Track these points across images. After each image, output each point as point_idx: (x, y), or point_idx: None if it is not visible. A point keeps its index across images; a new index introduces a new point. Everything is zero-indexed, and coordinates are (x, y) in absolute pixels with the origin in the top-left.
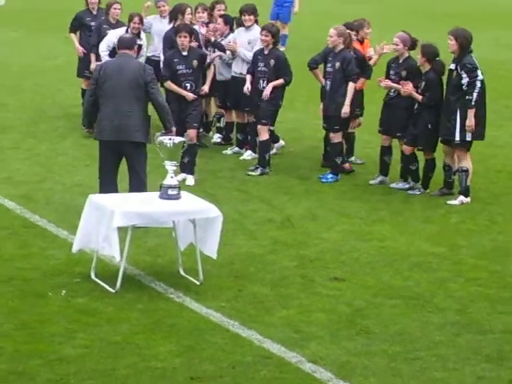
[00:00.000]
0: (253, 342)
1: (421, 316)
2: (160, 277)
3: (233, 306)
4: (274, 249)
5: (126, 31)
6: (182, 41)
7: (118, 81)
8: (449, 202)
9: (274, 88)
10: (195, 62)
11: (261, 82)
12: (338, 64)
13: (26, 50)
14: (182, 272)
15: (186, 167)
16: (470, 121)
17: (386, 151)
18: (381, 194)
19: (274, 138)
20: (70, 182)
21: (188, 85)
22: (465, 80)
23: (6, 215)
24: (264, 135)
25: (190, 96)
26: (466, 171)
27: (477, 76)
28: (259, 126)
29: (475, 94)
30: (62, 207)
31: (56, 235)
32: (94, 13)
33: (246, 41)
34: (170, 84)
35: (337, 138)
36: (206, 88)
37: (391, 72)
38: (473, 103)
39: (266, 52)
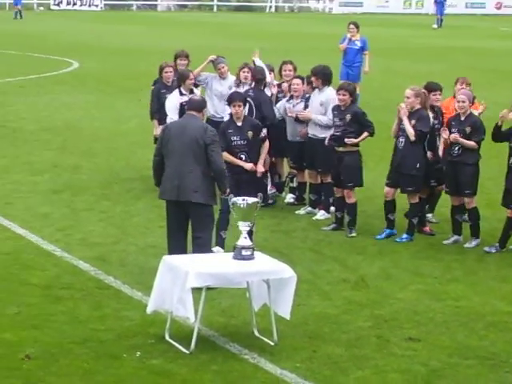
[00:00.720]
0: None
1: (498, 376)
2: (234, 338)
3: (307, 366)
4: (348, 309)
5: (179, 91)
6: (237, 110)
7: (180, 141)
8: None
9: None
10: (250, 133)
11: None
12: (413, 122)
13: (98, 112)
14: (256, 333)
15: None
16: None
17: (457, 210)
18: (455, 254)
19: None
20: (144, 244)
21: (243, 156)
22: None
23: (81, 277)
24: (353, 198)
25: (248, 166)
26: None
27: None
28: (347, 190)
29: None
30: (136, 268)
31: (130, 296)
32: (169, 84)
33: (319, 103)
34: (226, 155)
35: (413, 199)
36: (259, 167)
37: (453, 130)
38: None
39: (342, 108)
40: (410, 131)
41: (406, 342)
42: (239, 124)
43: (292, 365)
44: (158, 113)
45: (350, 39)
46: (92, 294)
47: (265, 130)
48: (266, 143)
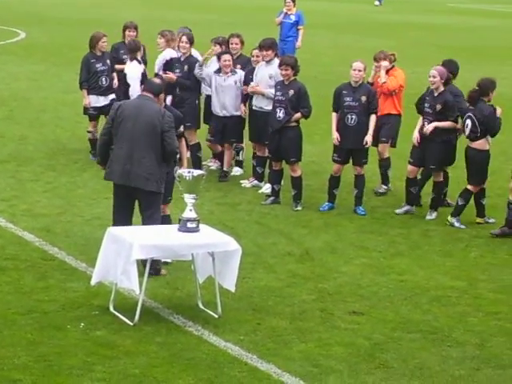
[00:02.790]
0: (271, 376)
1: (440, 350)
2: (178, 310)
3: (251, 339)
4: (292, 282)
5: (137, 60)
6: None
7: (134, 123)
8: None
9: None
10: None
11: (277, 110)
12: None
13: (45, 83)
14: (200, 305)
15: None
16: None
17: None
18: (400, 228)
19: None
20: (90, 215)
21: None
22: None
23: (26, 247)
24: (298, 171)
25: None
26: None
27: None
28: (293, 165)
29: None
30: (81, 240)
31: (75, 268)
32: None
33: (267, 75)
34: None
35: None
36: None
37: (425, 105)
38: None
39: (286, 83)
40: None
41: (350, 315)
42: None
43: (236, 337)
44: (87, 82)
45: (286, 13)
46: (36, 265)
47: (182, 127)
48: (183, 142)
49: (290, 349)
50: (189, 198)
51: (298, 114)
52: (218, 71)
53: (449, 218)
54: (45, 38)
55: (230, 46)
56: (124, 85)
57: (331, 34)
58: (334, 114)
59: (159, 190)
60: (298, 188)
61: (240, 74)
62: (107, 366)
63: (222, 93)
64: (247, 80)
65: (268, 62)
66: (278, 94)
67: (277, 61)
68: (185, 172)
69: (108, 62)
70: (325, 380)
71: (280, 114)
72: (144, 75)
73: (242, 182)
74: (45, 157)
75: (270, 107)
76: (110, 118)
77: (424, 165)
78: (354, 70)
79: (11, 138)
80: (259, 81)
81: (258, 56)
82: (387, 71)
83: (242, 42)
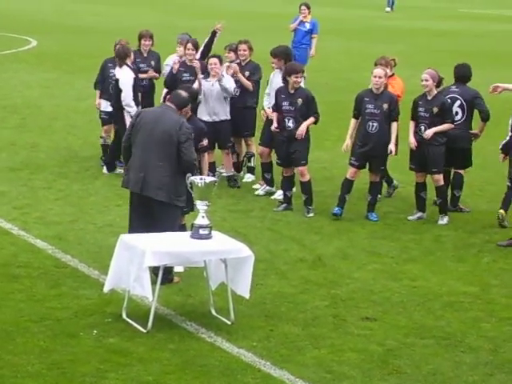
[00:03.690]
0: (284, 382)
1: (453, 356)
2: (191, 317)
3: (264, 345)
4: (305, 288)
5: (129, 67)
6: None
7: (151, 131)
8: None
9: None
10: None
11: (286, 120)
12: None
13: (57, 91)
14: (213, 312)
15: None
16: None
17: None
18: (412, 233)
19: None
20: (102, 222)
21: None
22: None
23: (38, 255)
24: (307, 176)
25: None
26: None
27: None
28: (301, 168)
29: None
30: (93, 247)
31: (87, 275)
32: (145, 55)
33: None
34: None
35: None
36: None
37: (420, 109)
38: None
39: (291, 91)
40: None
41: (363, 321)
42: None
43: (249, 344)
44: (101, 84)
45: (302, 21)
46: (49, 273)
47: (206, 141)
48: (205, 156)
49: (303, 355)
50: (201, 205)
51: (312, 119)
52: (207, 76)
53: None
54: (56, 46)
55: (239, 52)
56: (116, 90)
57: (342, 40)
58: (353, 121)
59: (171, 202)
60: (308, 193)
61: (226, 77)
62: (120, 373)
63: (211, 98)
64: (259, 87)
65: (281, 68)
66: (285, 103)
67: None
68: (197, 179)
69: None
70: None
71: (289, 123)
72: (135, 80)
73: (254, 186)
74: (57, 164)
75: None
76: (130, 124)
77: (425, 170)
78: (375, 76)
79: (23, 145)
80: (274, 87)
81: (275, 63)
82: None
83: (251, 49)
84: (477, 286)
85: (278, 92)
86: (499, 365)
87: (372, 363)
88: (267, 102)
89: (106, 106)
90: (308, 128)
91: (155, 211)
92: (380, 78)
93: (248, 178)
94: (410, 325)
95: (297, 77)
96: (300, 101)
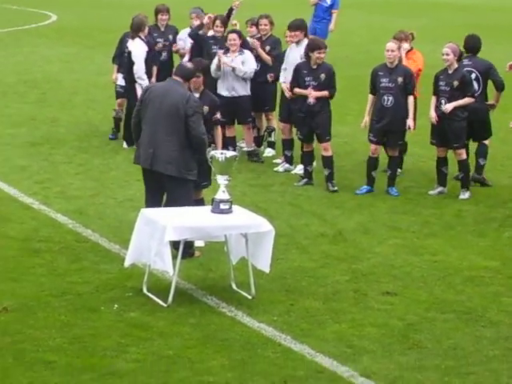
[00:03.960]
0: (305, 357)
1: (474, 330)
2: (212, 291)
3: (285, 320)
4: (326, 263)
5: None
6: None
7: (159, 106)
8: None
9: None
10: (206, 109)
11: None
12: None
13: (77, 65)
14: (234, 286)
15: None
16: None
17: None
18: (433, 208)
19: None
20: (122, 197)
21: None
22: None
23: (59, 229)
24: (330, 151)
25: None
26: None
27: None
28: (325, 144)
29: None
30: (114, 222)
31: (108, 250)
32: (162, 29)
33: (299, 56)
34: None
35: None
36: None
37: (441, 83)
38: None
39: (314, 66)
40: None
41: (383, 296)
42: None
43: (269, 318)
44: (119, 58)
45: None
46: (70, 247)
47: (219, 114)
48: (219, 129)
49: (324, 329)
50: (221, 180)
51: (325, 92)
52: (226, 51)
53: None
54: (76, 20)
55: (260, 27)
56: (128, 63)
57: (363, 14)
58: (370, 97)
59: (181, 176)
60: (331, 167)
61: (247, 53)
62: (141, 347)
63: (230, 74)
64: (280, 61)
65: (297, 42)
66: (308, 79)
67: (306, 41)
68: (217, 153)
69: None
70: (358, 360)
71: (310, 100)
72: (148, 53)
73: (274, 161)
74: (77, 139)
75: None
76: (139, 100)
77: (446, 145)
78: (388, 50)
79: (43, 120)
80: (291, 62)
81: (290, 37)
82: (406, 54)
83: (272, 23)
84: (497, 261)
85: (299, 67)
86: None
87: (392, 338)
88: (283, 77)
89: (123, 80)
90: (329, 103)
91: (167, 186)
92: (393, 51)
93: (268, 152)
94: (431, 299)
95: (320, 53)
96: (323, 76)
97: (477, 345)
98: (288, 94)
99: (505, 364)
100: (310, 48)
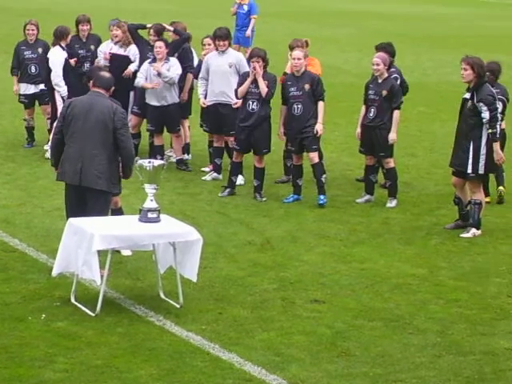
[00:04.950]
0: (233, 365)
1: (401, 338)
2: (140, 300)
3: (213, 328)
4: (254, 271)
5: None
6: None
7: (85, 121)
8: (462, 235)
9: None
10: None
11: (295, 107)
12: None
13: (4, 74)
14: (162, 295)
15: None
16: (498, 154)
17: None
18: (360, 216)
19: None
20: (50, 206)
21: None
22: (486, 114)
23: None
24: (264, 162)
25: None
26: (479, 204)
27: (497, 108)
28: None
29: (498, 127)
30: (41, 231)
31: (36, 259)
32: (84, 40)
33: (227, 64)
34: None
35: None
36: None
37: (370, 92)
38: (497, 136)
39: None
40: None
41: (311, 303)
42: None
43: (198, 327)
44: (17, 69)
45: (240, 3)
46: None
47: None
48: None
49: (252, 338)
50: (149, 188)
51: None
52: (153, 60)
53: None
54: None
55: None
56: (47, 70)
57: (288, 23)
58: (282, 107)
59: (110, 190)
60: (261, 179)
61: (172, 60)
62: (69, 357)
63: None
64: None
65: (223, 51)
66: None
67: (231, 50)
68: (145, 162)
69: (39, 50)
70: (287, 369)
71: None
72: (67, 61)
73: (202, 169)
74: (4, 148)
75: (225, 98)
76: (60, 115)
77: (374, 153)
78: (294, 59)
79: None
80: (215, 70)
81: (209, 44)
82: None
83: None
84: (425, 268)
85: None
86: (447, 346)
87: (320, 345)
88: (203, 88)
89: (26, 89)
90: (269, 116)
91: (91, 199)
92: (299, 59)
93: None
94: (359, 307)
95: (253, 61)
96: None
97: (404, 352)
98: (203, 105)
99: (432, 371)
100: (249, 56)
